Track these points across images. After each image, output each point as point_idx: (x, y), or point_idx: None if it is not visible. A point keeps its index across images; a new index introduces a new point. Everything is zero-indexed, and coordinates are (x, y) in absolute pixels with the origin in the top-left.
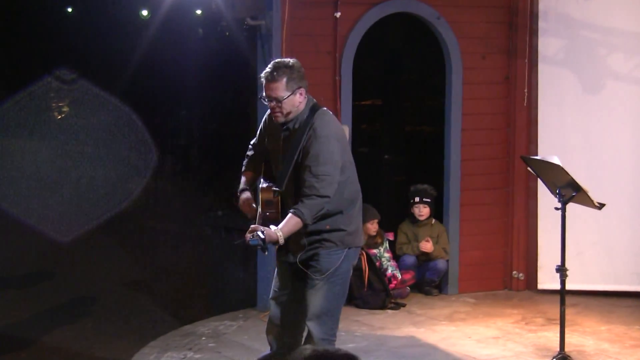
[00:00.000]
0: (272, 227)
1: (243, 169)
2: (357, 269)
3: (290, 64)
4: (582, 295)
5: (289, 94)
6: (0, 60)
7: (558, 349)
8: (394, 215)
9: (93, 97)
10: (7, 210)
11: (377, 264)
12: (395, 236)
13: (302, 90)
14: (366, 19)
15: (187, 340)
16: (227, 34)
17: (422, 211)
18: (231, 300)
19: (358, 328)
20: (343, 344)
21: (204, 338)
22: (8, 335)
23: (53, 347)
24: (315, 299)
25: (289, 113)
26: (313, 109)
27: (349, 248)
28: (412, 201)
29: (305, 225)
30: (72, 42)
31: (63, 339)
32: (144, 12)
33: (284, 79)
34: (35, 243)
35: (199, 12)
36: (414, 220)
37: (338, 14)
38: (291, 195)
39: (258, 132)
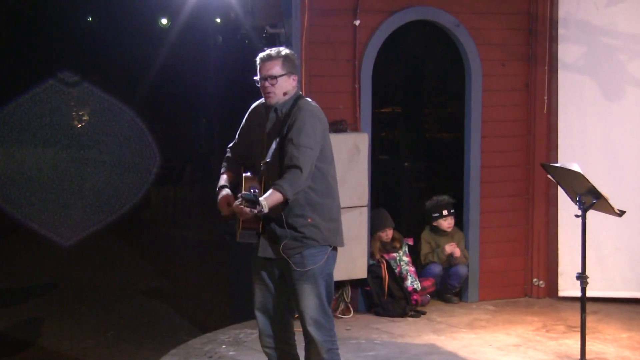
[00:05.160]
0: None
1: (222, 170)
2: (377, 277)
3: (286, 50)
4: (603, 302)
5: (284, 72)
6: (19, 68)
7: (579, 357)
8: (414, 222)
9: (113, 105)
10: (22, 217)
11: (398, 269)
12: (415, 242)
13: (295, 77)
14: (386, 26)
15: (208, 348)
16: (247, 41)
17: (450, 223)
18: (251, 308)
19: (378, 336)
20: (363, 351)
21: (224, 346)
22: (29, 343)
23: (74, 356)
24: (308, 303)
25: (284, 94)
26: (298, 98)
27: (331, 247)
28: (438, 214)
29: (287, 212)
30: (92, 50)
31: (84, 347)
32: (164, 21)
33: (281, 60)
34: (53, 250)
35: (218, 20)
36: (436, 230)
37: (357, 22)
38: (274, 178)
39: (239, 133)
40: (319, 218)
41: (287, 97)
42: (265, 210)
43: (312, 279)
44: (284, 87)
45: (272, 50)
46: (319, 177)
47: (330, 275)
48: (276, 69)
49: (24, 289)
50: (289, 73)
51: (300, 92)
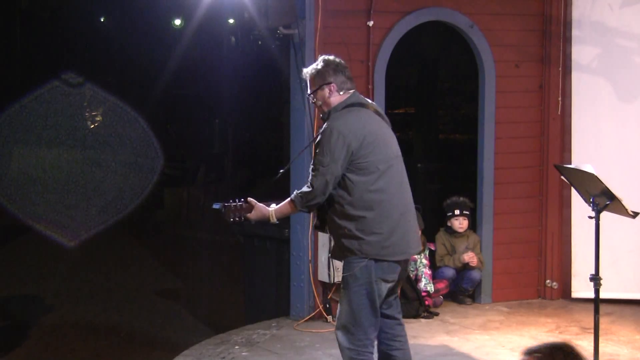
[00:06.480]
0: (273, 205)
1: None
2: None
3: (321, 60)
4: (617, 304)
5: (314, 89)
6: (33, 69)
7: (592, 358)
8: (428, 223)
9: (126, 106)
10: (37, 219)
11: (415, 271)
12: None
13: (332, 86)
14: (399, 27)
15: (221, 349)
16: (260, 42)
17: (462, 223)
18: (264, 309)
19: None
20: (376, 352)
21: (237, 347)
22: (42, 343)
23: (87, 356)
24: (341, 307)
25: (321, 106)
26: (349, 106)
27: (374, 260)
28: (450, 214)
29: (329, 222)
30: (104, 51)
31: (97, 347)
32: (177, 22)
33: (311, 77)
34: (66, 252)
35: (231, 21)
36: (451, 231)
37: (371, 23)
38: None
39: None
40: (356, 231)
41: (326, 108)
42: (274, 220)
43: (346, 285)
44: (318, 101)
45: (306, 68)
46: (353, 190)
47: (370, 284)
48: (309, 87)
49: (38, 290)
50: (321, 87)
51: (359, 99)
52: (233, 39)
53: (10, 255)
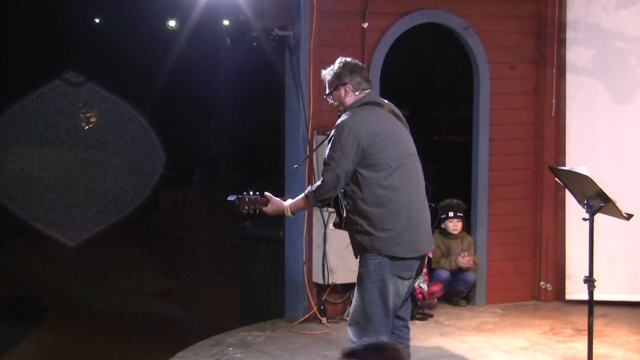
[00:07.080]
0: (289, 200)
1: None
2: None
3: (338, 62)
4: (612, 306)
5: (330, 90)
6: (29, 70)
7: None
8: None
9: (121, 107)
10: (33, 219)
11: None
12: None
13: (347, 86)
14: (394, 29)
15: (215, 350)
16: (255, 44)
17: (457, 225)
18: (259, 310)
19: None
20: None
21: (231, 348)
22: (40, 343)
23: (84, 356)
24: (354, 303)
25: (338, 106)
26: (363, 104)
27: (388, 258)
28: (444, 216)
29: (346, 218)
30: (100, 52)
31: (94, 348)
32: (172, 23)
33: (328, 79)
34: (63, 252)
35: (226, 22)
36: (445, 233)
37: (365, 25)
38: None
39: None
40: (368, 226)
41: (343, 107)
42: (288, 214)
43: (360, 281)
44: (335, 101)
45: (324, 70)
46: (365, 186)
47: (383, 282)
48: (328, 87)
49: (38, 290)
50: (337, 87)
51: (373, 99)
52: (228, 40)
53: (10, 255)
